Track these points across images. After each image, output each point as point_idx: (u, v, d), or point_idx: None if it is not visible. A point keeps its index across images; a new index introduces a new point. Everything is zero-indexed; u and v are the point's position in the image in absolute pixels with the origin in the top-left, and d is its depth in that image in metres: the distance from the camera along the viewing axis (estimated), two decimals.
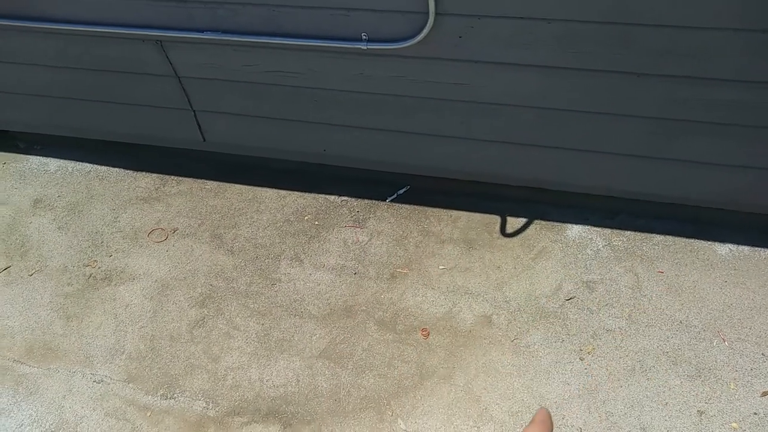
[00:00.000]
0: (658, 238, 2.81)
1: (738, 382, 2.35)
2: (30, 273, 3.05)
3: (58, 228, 3.23)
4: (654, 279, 2.68)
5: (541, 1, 2.15)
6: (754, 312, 2.52)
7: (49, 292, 2.96)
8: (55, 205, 3.34)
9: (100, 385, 2.62)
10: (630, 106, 2.39)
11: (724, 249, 2.73)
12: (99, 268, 3.04)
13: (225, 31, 2.57)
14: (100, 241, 3.15)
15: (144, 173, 3.43)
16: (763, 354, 2.41)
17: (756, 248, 2.71)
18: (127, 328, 2.80)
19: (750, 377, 2.36)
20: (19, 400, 2.60)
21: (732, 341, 2.46)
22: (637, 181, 2.68)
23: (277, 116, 2.92)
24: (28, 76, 3.15)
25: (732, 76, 2.17)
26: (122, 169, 3.47)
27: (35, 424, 2.52)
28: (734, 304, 2.56)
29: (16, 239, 3.20)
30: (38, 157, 3.61)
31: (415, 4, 2.26)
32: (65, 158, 3.57)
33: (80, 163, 3.54)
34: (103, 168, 3.50)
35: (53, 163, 3.56)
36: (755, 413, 2.27)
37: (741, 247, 2.73)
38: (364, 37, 2.43)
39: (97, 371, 2.67)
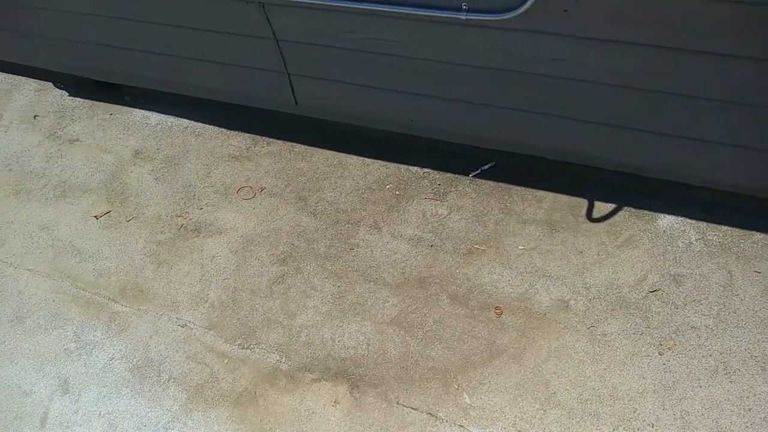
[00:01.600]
0: (758, 236, 2.64)
1: None
2: (128, 219, 3.26)
3: (155, 179, 3.42)
4: (749, 278, 2.53)
5: None
6: None
7: (143, 238, 3.16)
8: (153, 156, 3.54)
9: (184, 329, 2.79)
10: (754, 93, 2.23)
11: None
12: (190, 219, 3.21)
13: None
14: (192, 194, 3.31)
15: (237, 132, 3.57)
16: None
17: None
18: (211, 279, 2.95)
19: None
20: (111, 335, 2.81)
21: None
22: (743, 173, 2.51)
23: (370, 84, 2.94)
24: (137, 31, 3.32)
25: None
26: (217, 127, 3.62)
27: (124, 359, 2.72)
28: None
29: (117, 186, 3.42)
30: (141, 111, 3.82)
31: None
32: (166, 113, 3.77)
33: (179, 118, 3.72)
34: (200, 125, 3.66)
35: (154, 117, 3.77)
36: None
37: None
38: (464, 6, 2.39)
39: (182, 316, 2.83)
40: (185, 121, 3.69)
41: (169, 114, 3.75)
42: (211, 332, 2.75)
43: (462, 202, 3.01)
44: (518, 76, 2.58)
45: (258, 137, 3.52)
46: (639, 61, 2.32)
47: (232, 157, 3.44)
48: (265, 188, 3.27)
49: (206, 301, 2.87)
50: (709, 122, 2.40)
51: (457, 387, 2.45)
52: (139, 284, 2.98)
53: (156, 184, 3.39)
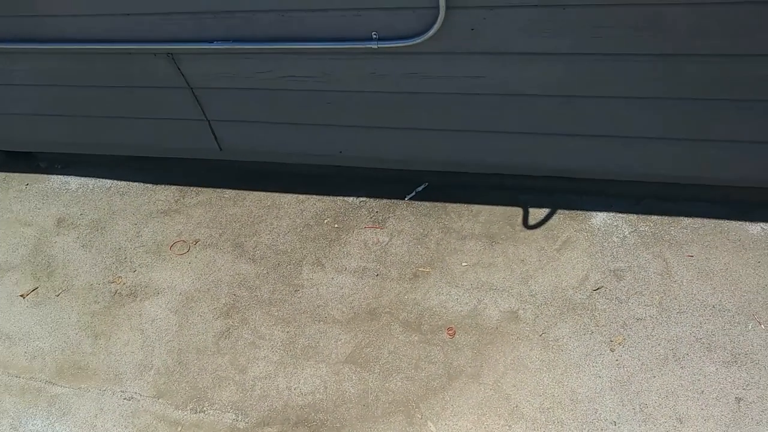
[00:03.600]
0: (686, 221, 2.74)
1: None
2: (57, 293, 3.09)
3: (82, 246, 3.26)
4: (684, 264, 2.61)
5: None
6: None
7: (76, 311, 3.00)
8: (78, 223, 3.38)
9: (131, 402, 2.64)
10: (662, 89, 2.32)
11: (755, 228, 2.66)
12: (124, 284, 3.06)
13: (236, 40, 2.56)
14: (123, 257, 3.17)
15: (163, 186, 3.45)
16: None
17: None
18: (154, 343, 2.82)
19: None
20: (53, 421, 2.63)
21: None
22: (665, 164, 2.61)
23: (293, 121, 2.90)
24: (46, 96, 3.18)
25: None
26: (142, 183, 3.49)
27: None
28: None
29: (42, 260, 3.24)
30: (60, 176, 3.65)
31: None
32: (86, 176, 3.61)
33: (100, 179, 3.57)
34: (123, 183, 3.52)
35: (74, 182, 3.60)
36: None
37: None
38: (374, 36, 2.40)
39: (126, 388, 2.69)
40: (108, 182, 3.55)
41: (90, 176, 3.59)
42: (160, 401, 2.62)
43: (401, 227, 3.00)
44: (438, 97, 2.61)
45: (186, 188, 3.41)
46: (551, 70, 2.38)
47: (161, 213, 3.32)
48: (199, 240, 3.16)
49: (151, 368, 2.73)
50: (625, 119, 2.48)
51: (420, 416, 2.41)
52: (77, 361, 2.81)
53: (84, 252, 3.23)
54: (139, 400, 2.63)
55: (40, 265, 3.21)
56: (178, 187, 3.43)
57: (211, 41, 2.61)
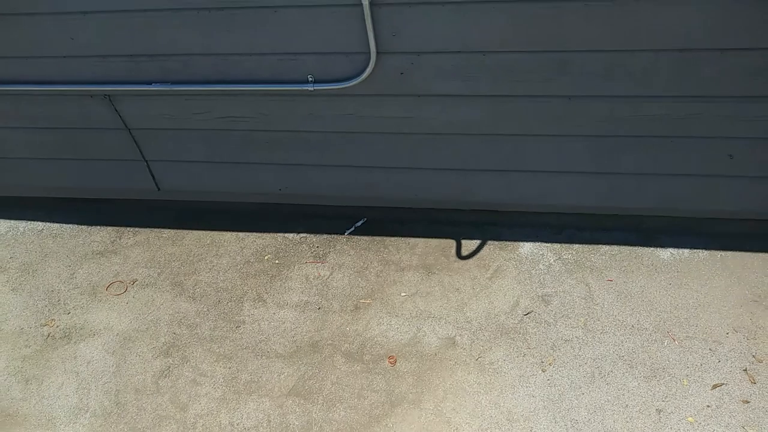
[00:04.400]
0: (604, 248, 2.96)
1: (690, 378, 2.48)
2: None
3: (12, 290, 3.16)
4: (604, 287, 2.81)
5: (476, 36, 2.30)
6: (699, 310, 2.68)
7: (4, 357, 2.89)
8: (6, 266, 3.28)
9: None
10: (571, 126, 2.55)
11: (666, 254, 2.90)
12: (57, 326, 2.99)
13: (174, 82, 2.63)
14: (57, 300, 3.10)
15: (98, 227, 3.41)
16: (710, 349, 2.55)
17: (695, 250, 2.89)
18: (89, 386, 2.75)
19: (700, 372, 2.49)
20: None
21: (681, 340, 2.60)
22: (582, 196, 2.83)
23: (231, 160, 2.97)
24: None
25: (662, 92, 2.35)
26: (76, 225, 3.44)
27: None
28: (680, 305, 2.70)
29: None
30: None
31: (357, 45, 2.39)
32: (15, 219, 3.51)
33: (31, 222, 3.49)
34: (56, 225, 3.46)
35: (3, 225, 3.50)
36: (708, 406, 2.39)
37: (681, 251, 2.90)
38: (310, 79, 2.53)
39: None
40: (39, 224, 3.47)
41: (20, 219, 3.51)
42: None
43: (342, 261, 3.08)
44: (372, 137, 2.75)
45: (122, 229, 3.39)
46: (472, 111, 2.57)
47: (97, 254, 3.28)
48: (137, 280, 3.13)
49: (87, 411, 2.66)
50: (541, 155, 2.70)
51: None
52: (5, 408, 2.70)
53: (14, 295, 3.13)
54: None
55: None
56: (115, 228, 3.40)
57: (149, 83, 2.67)
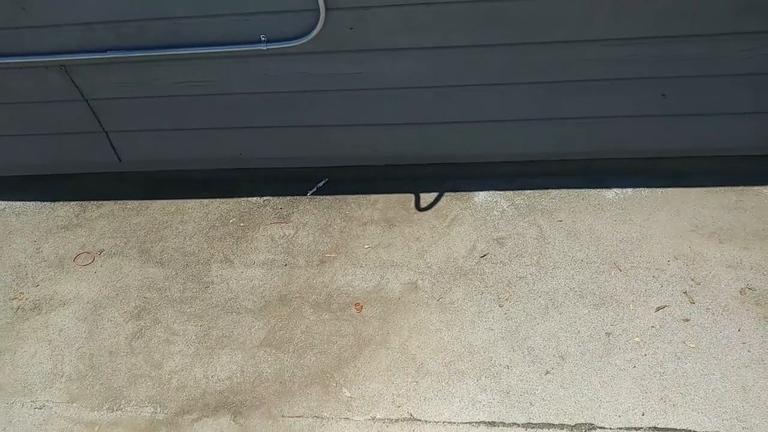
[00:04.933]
0: (554, 192, 3.12)
1: (636, 303, 2.66)
2: None
3: None
4: (555, 228, 2.98)
5: None
6: (642, 242, 2.86)
7: None
8: None
9: (42, 410, 2.61)
10: (515, 74, 2.68)
11: (611, 193, 3.08)
12: (26, 299, 3.02)
13: (128, 49, 2.68)
14: (24, 274, 3.13)
15: (61, 203, 3.44)
16: (653, 276, 2.74)
17: (637, 189, 3.07)
18: (63, 352, 2.80)
19: (645, 297, 2.67)
20: None
21: (626, 270, 2.78)
22: (532, 143, 2.98)
23: (190, 126, 3.03)
24: None
25: (601, 35, 2.50)
26: (38, 202, 3.46)
27: None
28: (625, 239, 2.89)
29: None
30: None
31: (306, 2, 2.47)
32: None
33: None
34: (18, 203, 3.47)
35: None
36: (652, 326, 2.58)
37: (625, 190, 3.08)
38: (263, 38, 2.61)
39: (37, 398, 2.66)
40: (1, 203, 3.48)
41: None
42: (74, 405, 2.61)
43: (306, 220, 3.18)
44: (326, 94, 2.85)
45: (86, 203, 3.42)
46: (421, 63, 2.68)
47: (62, 228, 3.31)
48: (103, 250, 3.18)
49: (62, 376, 2.72)
50: (488, 104, 2.83)
51: (335, 385, 2.57)
52: None
53: None
54: (51, 407, 2.61)
55: None
56: (78, 202, 3.43)
57: (104, 51, 2.71)
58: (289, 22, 2.57)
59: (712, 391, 2.36)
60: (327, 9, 2.48)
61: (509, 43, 2.57)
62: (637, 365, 2.48)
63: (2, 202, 3.49)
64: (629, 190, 3.08)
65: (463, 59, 2.65)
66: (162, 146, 3.17)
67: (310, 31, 2.57)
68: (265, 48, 2.62)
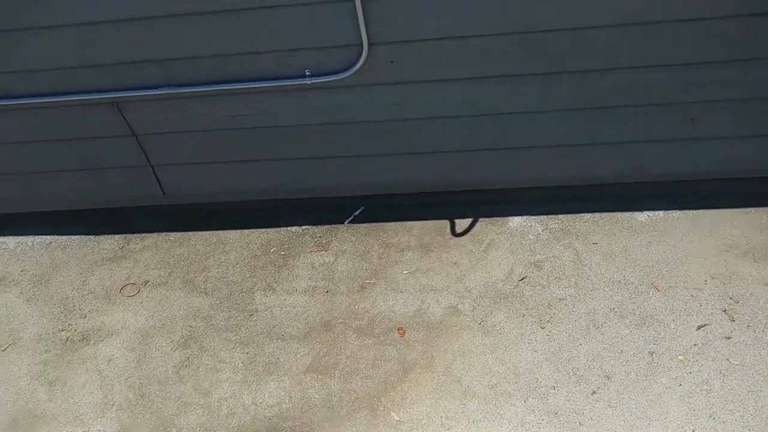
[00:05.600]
0: (586, 216, 3.19)
1: (676, 322, 2.70)
2: (3, 348, 3.06)
3: (26, 300, 3.26)
4: (590, 250, 3.04)
5: (456, 22, 2.54)
6: (678, 263, 2.91)
7: (26, 363, 2.98)
8: (19, 279, 3.38)
9: None
10: (549, 102, 2.79)
11: (642, 216, 3.15)
12: (75, 330, 3.09)
13: (179, 85, 2.81)
14: (71, 306, 3.21)
15: (106, 236, 3.54)
16: (691, 296, 2.78)
17: (668, 211, 3.14)
18: (113, 381, 2.86)
19: (685, 316, 2.71)
20: None
21: (664, 290, 2.83)
22: (563, 168, 3.07)
23: (234, 159, 3.15)
24: None
25: (632, 63, 2.61)
26: (83, 236, 3.56)
27: None
28: (660, 260, 2.94)
29: None
30: None
31: (350, 38, 2.60)
32: (23, 234, 3.62)
33: (39, 236, 3.60)
34: (64, 237, 3.57)
35: (11, 241, 3.60)
36: (695, 344, 2.61)
37: (656, 212, 3.15)
38: (307, 72, 2.74)
39: (89, 428, 2.71)
40: (47, 238, 3.58)
41: (28, 234, 3.62)
42: None
43: (344, 247, 3.26)
44: (366, 125, 2.96)
45: (129, 236, 3.52)
46: (457, 93, 2.80)
47: (107, 260, 3.40)
48: (148, 281, 3.26)
49: (113, 405, 2.77)
50: (522, 131, 2.93)
51: (383, 409, 2.61)
52: (32, 410, 2.80)
53: (28, 306, 3.23)
54: None
55: None
56: (122, 235, 3.53)
57: (155, 87, 2.84)
58: (333, 56, 2.70)
59: (761, 407, 2.38)
60: (370, 44, 2.61)
61: (544, 72, 2.68)
62: (682, 383, 2.51)
63: (48, 236, 3.59)
64: (660, 213, 3.15)
65: (498, 88, 2.76)
66: (204, 179, 3.27)
67: (352, 65, 2.69)
68: (309, 82, 2.75)
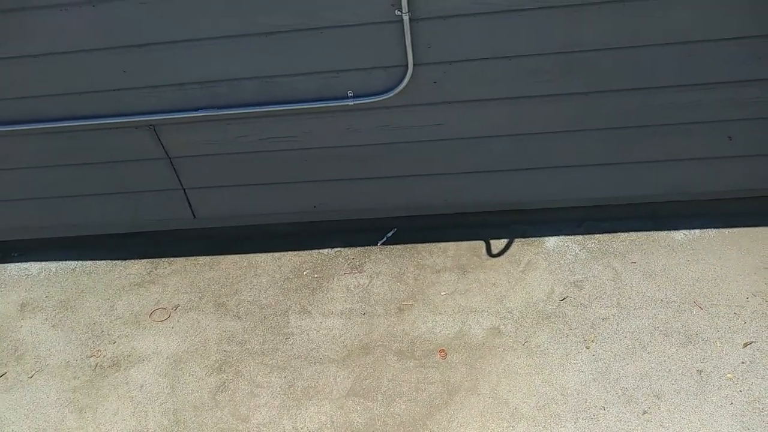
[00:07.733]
0: (623, 235, 3.19)
1: (722, 340, 2.68)
2: (29, 375, 2.97)
3: (52, 326, 3.18)
4: (630, 269, 3.03)
5: (501, 42, 2.57)
6: (718, 281, 2.91)
7: (54, 389, 2.89)
8: (44, 305, 3.30)
9: None
10: (588, 121, 2.81)
11: (679, 235, 3.15)
12: (104, 356, 3.01)
13: (221, 107, 2.80)
14: (99, 331, 3.13)
15: (132, 261, 3.48)
16: (735, 313, 2.77)
17: (704, 230, 3.14)
18: (146, 408, 2.77)
19: (730, 334, 2.69)
20: None
21: (707, 308, 2.81)
22: (599, 187, 3.08)
23: (269, 181, 3.13)
24: (8, 181, 3.19)
25: (671, 82, 2.65)
26: (109, 261, 3.50)
27: None
28: (701, 278, 2.93)
29: (8, 345, 3.11)
30: (17, 264, 3.56)
31: (396, 59, 2.62)
32: (47, 260, 3.55)
33: (63, 262, 3.53)
34: (89, 263, 3.51)
35: (34, 267, 3.53)
36: (743, 362, 2.59)
37: (693, 231, 3.15)
38: (350, 94, 2.75)
39: None
40: (71, 263, 3.52)
41: (52, 260, 3.55)
42: None
43: (379, 269, 3.23)
44: (405, 146, 2.96)
45: (157, 260, 3.46)
46: (500, 113, 2.82)
47: (135, 285, 3.34)
48: (179, 305, 3.20)
49: None
50: (561, 150, 2.94)
51: None
52: None
53: (55, 331, 3.15)
54: None
55: (6, 351, 3.09)
56: (150, 260, 3.47)
57: (195, 110, 2.83)
58: (377, 77, 2.71)
59: None
60: (415, 64, 2.63)
61: (585, 91, 2.71)
62: (734, 401, 2.47)
63: (73, 262, 3.52)
64: (697, 231, 3.16)
65: (539, 108, 2.78)
66: (237, 202, 3.25)
67: (396, 86, 2.70)
68: (351, 103, 2.75)
